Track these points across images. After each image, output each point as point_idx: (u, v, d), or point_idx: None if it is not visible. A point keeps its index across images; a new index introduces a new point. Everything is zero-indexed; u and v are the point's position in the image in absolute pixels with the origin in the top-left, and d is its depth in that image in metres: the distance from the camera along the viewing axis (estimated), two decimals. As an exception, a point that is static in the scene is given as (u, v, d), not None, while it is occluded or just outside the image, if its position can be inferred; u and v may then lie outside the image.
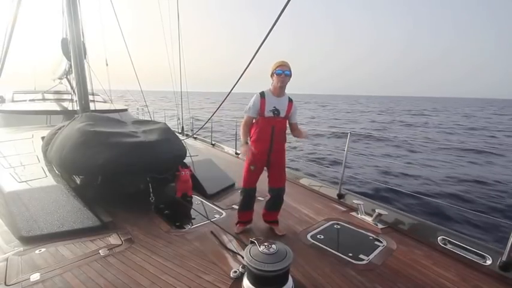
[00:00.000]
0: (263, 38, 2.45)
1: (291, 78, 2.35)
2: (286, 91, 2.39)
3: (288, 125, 2.53)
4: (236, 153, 5.78)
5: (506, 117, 37.39)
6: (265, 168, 2.52)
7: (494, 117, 37.04)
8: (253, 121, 2.42)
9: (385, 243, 2.45)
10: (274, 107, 2.32)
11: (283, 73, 2.26)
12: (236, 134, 6.03)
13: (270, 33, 2.41)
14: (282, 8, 2.20)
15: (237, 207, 3.08)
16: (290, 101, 2.40)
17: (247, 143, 2.38)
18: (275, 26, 2.32)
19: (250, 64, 2.75)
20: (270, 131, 2.35)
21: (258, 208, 2.69)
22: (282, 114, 2.36)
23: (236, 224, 2.60)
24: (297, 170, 6.47)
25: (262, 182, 2.54)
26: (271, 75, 2.32)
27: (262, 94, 2.34)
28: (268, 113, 2.32)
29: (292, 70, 2.32)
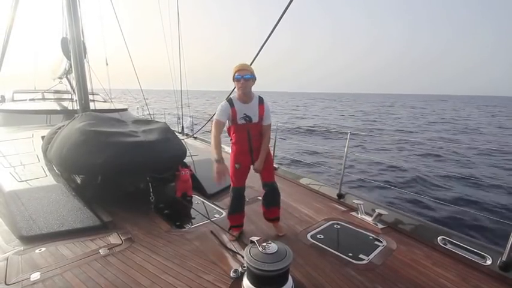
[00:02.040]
0: (263, 41, 2.43)
1: (255, 81, 2.20)
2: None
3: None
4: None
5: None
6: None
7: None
8: (227, 126, 2.35)
9: (385, 243, 2.45)
10: (245, 114, 2.22)
11: (242, 78, 2.11)
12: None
13: (270, 37, 2.38)
14: (283, 11, 2.19)
15: None
16: (261, 103, 2.27)
17: (220, 160, 2.09)
18: (276, 27, 2.30)
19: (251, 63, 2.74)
20: (246, 135, 2.29)
21: (258, 207, 2.68)
22: (255, 120, 2.26)
23: (229, 230, 2.48)
24: (297, 170, 6.48)
25: (257, 180, 2.53)
26: (233, 80, 2.19)
27: (230, 102, 2.20)
28: (240, 121, 2.23)
29: (253, 72, 2.17)
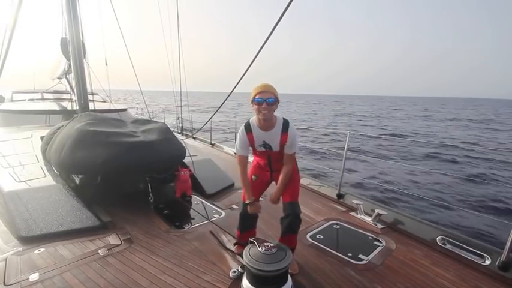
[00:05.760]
0: (263, 42, 2.40)
1: (277, 105, 1.80)
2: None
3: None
4: (235, 153, 5.77)
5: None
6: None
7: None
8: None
9: (384, 243, 2.45)
10: (264, 141, 1.88)
11: (264, 102, 1.70)
12: (236, 134, 6.01)
13: (270, 36, 2.35)
14: (282, 11, 2.16)
15: (236, 207, 3.06)
16: (284, 131, 1.83)
17: (251, 203, 1.94)
18: (275, 29, 2.28)
19: (250, 65, 2.74)
20: (266, 161, 2.02)
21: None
22: (276, 149, 1.89)
23: (234, 245, 2.23)
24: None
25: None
26: (252, 103, 1.77)
27: (247, 128, 1.87)
28: (259, 148, 1.93)
29: (277, 95, 1.76)
